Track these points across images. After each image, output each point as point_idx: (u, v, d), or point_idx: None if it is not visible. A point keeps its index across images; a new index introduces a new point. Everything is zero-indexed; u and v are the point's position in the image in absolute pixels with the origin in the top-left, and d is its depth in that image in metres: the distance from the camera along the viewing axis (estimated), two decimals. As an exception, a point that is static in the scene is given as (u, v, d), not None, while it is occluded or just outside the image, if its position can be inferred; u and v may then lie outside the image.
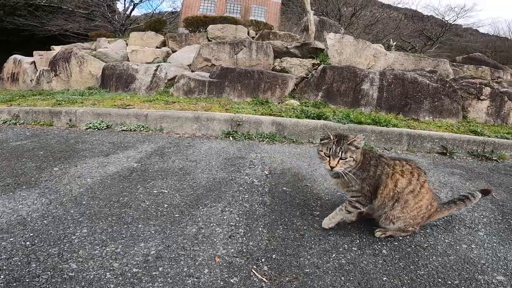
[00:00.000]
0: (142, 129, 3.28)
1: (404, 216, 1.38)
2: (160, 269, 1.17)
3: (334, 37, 5.44)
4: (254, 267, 1.19)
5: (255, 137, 3.22)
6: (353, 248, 1.36)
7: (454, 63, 7.87)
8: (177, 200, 1.75)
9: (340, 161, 1.34)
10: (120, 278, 1.11)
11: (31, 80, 8.11)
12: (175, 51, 8.63)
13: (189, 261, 1.21)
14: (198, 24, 9.19)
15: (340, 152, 1.33)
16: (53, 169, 2.20)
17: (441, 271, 1.27)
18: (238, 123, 3.30)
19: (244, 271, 1.17)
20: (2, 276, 1.08)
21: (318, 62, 5.42)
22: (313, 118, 3.36)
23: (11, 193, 1.76)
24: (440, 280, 1.21)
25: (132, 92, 5.90)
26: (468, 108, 5.20)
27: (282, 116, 3.46)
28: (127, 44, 9.56)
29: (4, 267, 1.12)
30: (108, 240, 1.35)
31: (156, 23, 10.01)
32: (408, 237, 1.49)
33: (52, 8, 16.14)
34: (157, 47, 9.04)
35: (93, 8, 15.97)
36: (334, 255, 1.30)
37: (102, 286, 1.06)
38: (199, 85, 5.25)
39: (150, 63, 7.81)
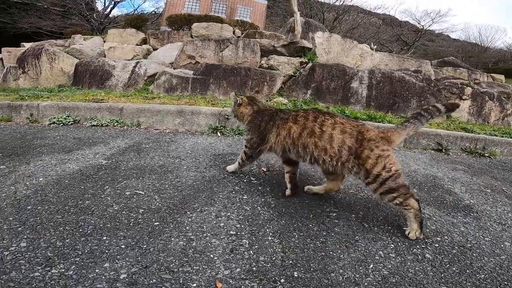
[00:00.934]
0: (116, 124, 2.81)
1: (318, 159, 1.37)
2: (132, 303, 0.77)
3: (322, 36, 5.24)
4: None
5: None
6: (391, 255, 1.05)
7: (430, 66, 8.00)
8: (157, 203, 1.35)
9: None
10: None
11: (-5, 77, 7.25)
12: (156, 49, 8.11)
13: (177, 288, 0.83)
14: (181, 22, 8.72)
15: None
16: (-1, 168, 1.71)
17: (502, 272, 0.99)
18: (226, 117, 2.93)
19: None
20: None
21: (306, 60, 5.19)
22: None
23: None
24: (508, 283, 0.93)
25: (107, 90, 5.34)
26: (451, 108, 5.18)
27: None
28: (104, 41, 8.89)
29: None
30: (55, 258, 0.93)
31: (137, 20, 9.42)
32: (446, 237, 1.21)
33: (25, 5, 14.92)
34: (137, 45, 8.46)
35: (70, 6, 14.94)
36: (371, 265, 0.98)
37: None
38: (182, 82, 4.82)
39: (129, 60, 7.26)
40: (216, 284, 0.84)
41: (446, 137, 3.32)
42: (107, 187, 1.49)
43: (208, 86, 4.71)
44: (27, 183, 1.49)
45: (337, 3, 16.29)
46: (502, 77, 10.38)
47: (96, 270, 0.89)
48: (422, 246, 1.12)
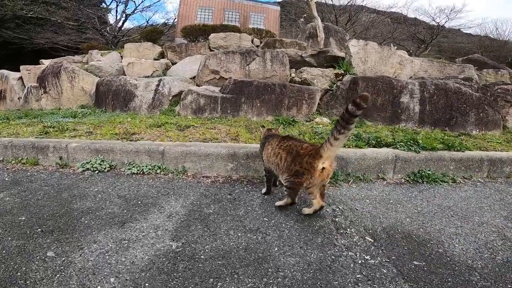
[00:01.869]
0: (158, 170, 2.40)
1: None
2: None
3: (358, 44, 4.72)
4: None
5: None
6: None
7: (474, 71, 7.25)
8: None
9: None
10: None
11: (18, 98, 7.07)
12: (175, 62, 7.76)
13: None
14: (196, 33, 8.33)
15: None
16: (46, 255, 1.33)
17: None
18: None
19: None
20: None
21: (342, 72, 4.68)
22: (374, 146, 2.58)
23: None
24: None
25: (132, 112, 5.00)
26: (506, 117, 4.57)
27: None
28: (121, 56, 8.61)
29: None
30: None
31: (153, 33, 9.08)
32: None
33: (40, 20, 14.89)
34: (155, 59, 8.14)
35: (83, 20, 14.82)
36: None
37: None
38: (210, 102, 4.41)
39: (149, 76, 6.93)
40: None
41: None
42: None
43: (240, 106, 4.28)
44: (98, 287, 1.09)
45: (348, 4, 15.58)
46: (505, 71, 9.48)
47: None
48: None
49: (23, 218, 1.70)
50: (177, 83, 5.51)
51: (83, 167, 2.48)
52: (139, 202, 1.92)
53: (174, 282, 1.17)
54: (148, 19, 19.07)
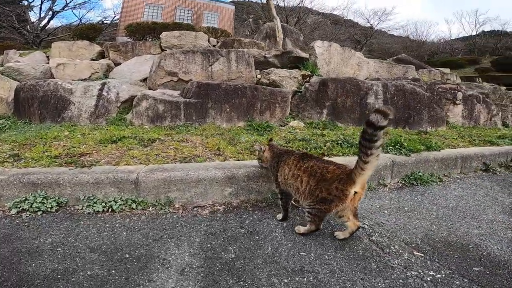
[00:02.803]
0: (133, 205, 1.75)
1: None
2: None
3: (322, 45, 4.68)
4: None
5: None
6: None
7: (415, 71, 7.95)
8: None
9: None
10: None
11: None
12: (119, 63, 6.72)
13: None
14: (144, 31, 7.38)
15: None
16: None
17: None
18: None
19: None
20: None
21: (309, 73, 4.58)
22: None
23: None
24: None
25: (68, 123, 4.04)
26: (448, 113, 5.12)
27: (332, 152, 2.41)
28: (47, 57, 7.11)
29: None
30: None
31: (90, 31, 7.71)
32: None
33: None
34: (92, 59, 6.92)
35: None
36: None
37: None
38: (171, 108, 3.82)
39: (86, 79, 5.83)
40: None
41: (490, 156, 3.03)
42: None
43: (207, 112, 3.79)
44: None
45: (297, 6, 16.17)
46: (448, 70, 11.17)
47: None
48: None
49: None
50: (126, 87, 4.68)
51: (17, 208, 1.71)
52: (127, 256, 1.33)
53: None
54: (82, 17, 16.47)
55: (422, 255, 1.40)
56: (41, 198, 1.73)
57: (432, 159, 2.49)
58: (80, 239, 1.46)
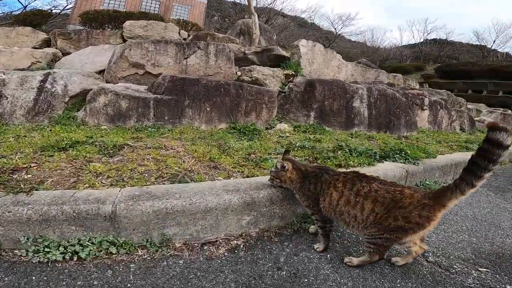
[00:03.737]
0: (111, 248, 1.18)
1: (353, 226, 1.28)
2: None
3: (307, 45, 4.43)
4: None
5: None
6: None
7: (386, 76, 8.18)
8: None
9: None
10: None
11: None
12: (69, 53, 5.66)
13: None
14: (103, 20, 6.34)
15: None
16: None
17: None
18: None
19: None
20: None
21: (292, 72, 4.29)
22: (380, 161, 2.21)
23: None
24: None
25: (-4, 121, 3.14)
26: (416, 118, 5.30)
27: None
28: (-25, 40, 5.68)
29: None
30: None
31: (36, 16, 6.37)
32: None
33: None
34: (34, 47, 5.70)
35: None
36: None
37: None
38: (138, 106, 3.17)
39: (25, 69, 4.75)
40: None
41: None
42: None
43: (183, 111, 3.24)
44: None
45: (268, 6, 15.96)
46: (400, 75, 12.03)
47: None
48: None
49: None
50: (77, 79, 3.84)
51: None
52: None
53: None
54: (27, 5, 13.94)
55: (488, 270, 1.34)
56: None
57: (436, 167, 2.39)
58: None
